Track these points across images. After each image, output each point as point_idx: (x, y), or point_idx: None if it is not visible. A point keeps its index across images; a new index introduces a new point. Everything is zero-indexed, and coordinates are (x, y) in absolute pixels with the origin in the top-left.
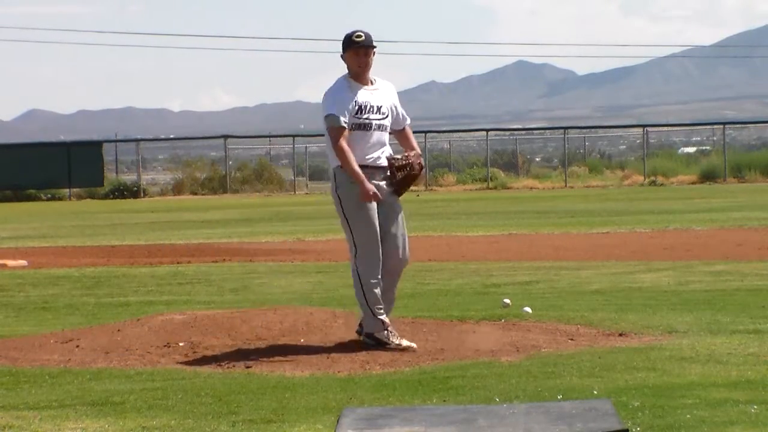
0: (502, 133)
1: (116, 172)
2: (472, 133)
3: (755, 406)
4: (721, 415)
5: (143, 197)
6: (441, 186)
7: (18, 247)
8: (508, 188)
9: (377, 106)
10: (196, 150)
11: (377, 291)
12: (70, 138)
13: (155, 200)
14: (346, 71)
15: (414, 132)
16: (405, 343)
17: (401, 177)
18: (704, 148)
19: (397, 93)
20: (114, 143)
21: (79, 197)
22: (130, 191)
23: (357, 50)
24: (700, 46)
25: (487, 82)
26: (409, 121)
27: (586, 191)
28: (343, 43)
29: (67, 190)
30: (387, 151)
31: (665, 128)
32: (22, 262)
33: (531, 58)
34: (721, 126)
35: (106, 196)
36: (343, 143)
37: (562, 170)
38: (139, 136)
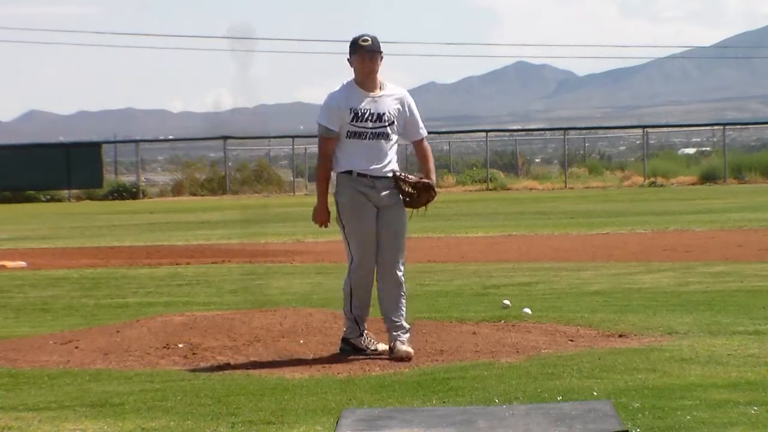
0: (501, 134)
1: (115, 174)
2: (471, 134)
3: (755, 408)
4: (721, 417)
5: (142, 198)
6: (440, 187)
7: (17, 249)
8: (507, 189)
9: (378, 114)
10: (195, 151)
11: (362, 298)
12: (70, 139)
13: (154, 201)
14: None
15: None
16: (381, 347)
17: (408, 197)
18: (704, 149)
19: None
20: (113, 144)
21: (78, 198)
22: (129, 192)
23: (362, 55)
24: (700, 47)
25: (487, 83)
26: (424, 134)
27: (586, 192)
28: (350, 47)
29: (67, 191)
30: (391, 160)
31: (665, 129)
32: (21, 263)
33: (531, 59)
34: (721, 127)
35: (105, 198)
36: (326, 152)
37: (562, 171)
38: (138, 137)
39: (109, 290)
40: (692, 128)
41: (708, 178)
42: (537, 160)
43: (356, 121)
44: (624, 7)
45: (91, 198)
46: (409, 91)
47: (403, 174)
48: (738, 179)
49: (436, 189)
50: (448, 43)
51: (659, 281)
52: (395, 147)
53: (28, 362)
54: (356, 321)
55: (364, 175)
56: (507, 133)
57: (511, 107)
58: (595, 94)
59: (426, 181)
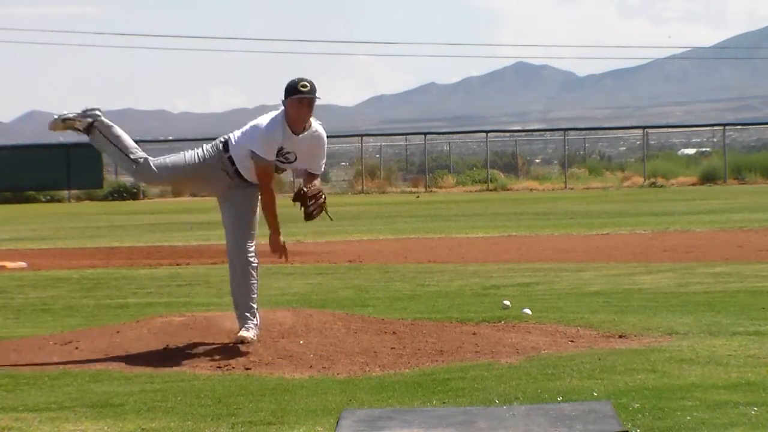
0: (501, 134)
1: (115, 174)
2: (471, 135)
3: (755, 408)
4: (721, 417)
5: (142, 199)
6: (441, 188)
7: (17, 249)
8: (507, 190)
9: (287, 151)
10: None
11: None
12: (70, 140)
13: (154, 202)
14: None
15: (414, 134)
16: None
17: (312, 204)
18: (704, 149)
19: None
20: None
21: (78, 199)
22: (129, 193)
23: (300, 100)
24: (700, 48)
25: (487, 83)
26: (319, 171)
27: (586, 193)
28: (286, 89)
29: (66, 191)
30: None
31: (665, 130)
32: (22, 264)
33: (531, 60)
34: (721, 127)
35: (105, 198)
36: (273, 186)
37: (562, 172)
38: (138, 138)
39: (109, 291)
40: (692, 129)
41: (708, 178)
42: (537, 161)
43: (276, 156)
44: (624, 7)
45: (91, 198)
46: (409, 91)
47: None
48: (738, 180)
49: (436, 189)
50: (448, 43)
51: (659, 282)
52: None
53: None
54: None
55: (238, 172)
56: (507, 134)
57: (511, 108)
58: (595, 94)
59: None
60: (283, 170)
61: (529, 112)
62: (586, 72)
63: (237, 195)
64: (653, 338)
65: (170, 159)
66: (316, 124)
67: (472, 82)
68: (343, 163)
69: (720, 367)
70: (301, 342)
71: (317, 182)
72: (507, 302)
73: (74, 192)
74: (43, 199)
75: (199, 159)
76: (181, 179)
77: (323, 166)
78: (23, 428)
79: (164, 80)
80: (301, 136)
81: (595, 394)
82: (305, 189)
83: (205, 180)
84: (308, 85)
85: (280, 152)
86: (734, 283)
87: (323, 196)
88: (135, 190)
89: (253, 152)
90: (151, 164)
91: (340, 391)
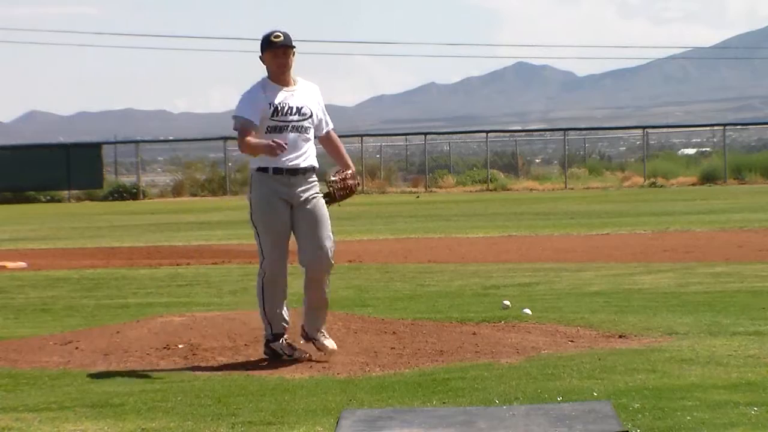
0: (501, 134)
1: (115, 174)
2: (471, 135)
3: (755, 408)
4: (722, 417)
5: (143, 199)
6: (441, 188)
7: (17, 249)
8: (507, 190)
9: (296, 107)
10: (195, 152)
11: (275, 299)
12: (70, 140)
13: (155, 202)
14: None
15: (414, 134)
16: (297, 354)
17: (340, 197)
18: (704, 149)
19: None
20: (113, 145)
21: (78, 199)
22: (130, 193)
23: (275, 51)
24: (700, 48)
25: (487, 83)
26: (331, 127)
27: (586, 193)
28: (261, 44)
29: (67, 191)
30: (309, 155)
31: (665, 130)
32: (22, 264)
33: (531, 60)
34: (722, 127)
35: (105, 198)
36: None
37: (562, 172)
38: (138, 138)
39: (110, 291)
40: (692, 129)
41: (708, 178)
42: (537, 161)
43: (276, 116)
44: (624, 7)
45: (92, 198)
46: (409, 91)
47: (332, 180)
48: (738, 180)
49: (436, 189)
50: (448, 43)
51: (659, 282)
52: (312, 141)
53: (28, 363)
54: (270, 323)
55: (281, 171)
56: (507, 134)
57: (511, 108)
58: (595, 94)
59: (351, 181)
60: (308, 129)
61: (529, 112)
62: (586, 72)
63: (303, 209)
64: (653, 338)
65: (261, 240)
66: (304, 80)
67: (472, 82)
68: None
69: (720, 367)
70: (302, 341)
71: (349, 171)
72: (507, 302)
73: (74, 192)
74: (43, 199)
75: (262, 204)
76: (282, 234)
77: (328, 121)
78: (23, 428)
79: (164, 80)
80: (295, 87)
81: (595, 394)
82: (332, 183)
83: (270, 215)
84: (281, 35)
85: (277, 111)
86: (734, 283)
87: (350, 190)
88: (135, 190)
89: (233, 117)
90: (265, 262)
91: (340, 391)
